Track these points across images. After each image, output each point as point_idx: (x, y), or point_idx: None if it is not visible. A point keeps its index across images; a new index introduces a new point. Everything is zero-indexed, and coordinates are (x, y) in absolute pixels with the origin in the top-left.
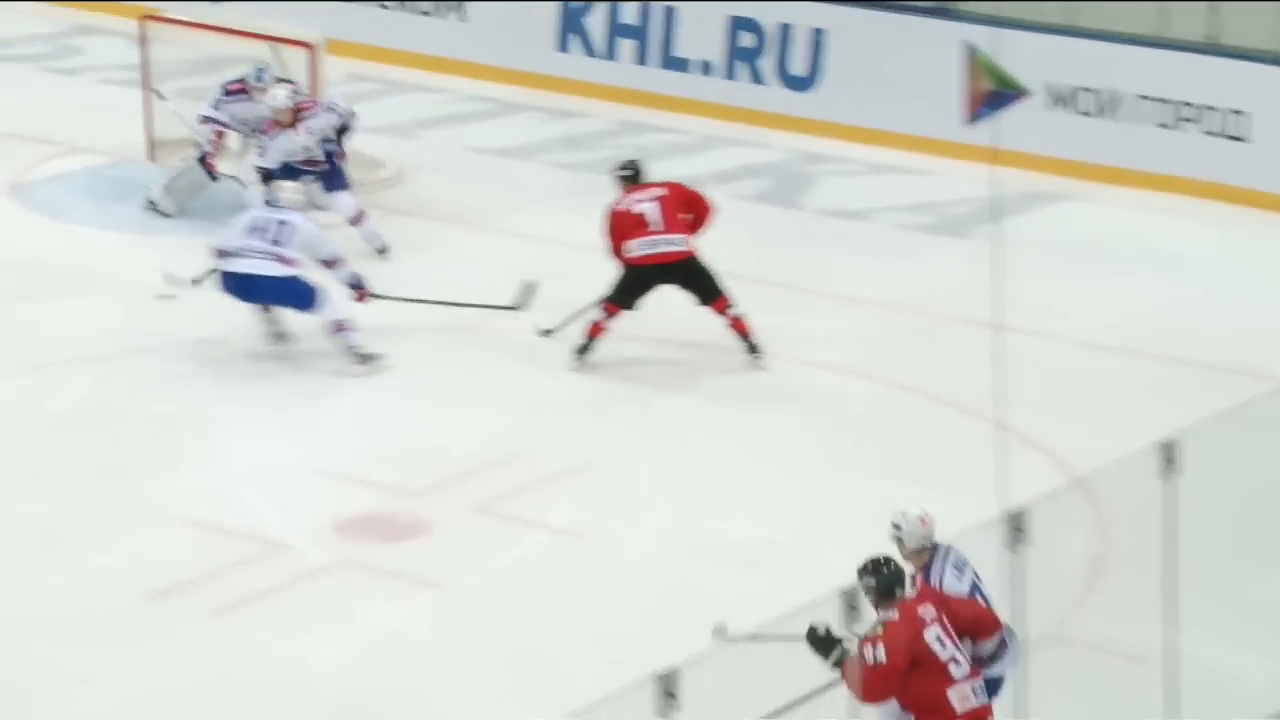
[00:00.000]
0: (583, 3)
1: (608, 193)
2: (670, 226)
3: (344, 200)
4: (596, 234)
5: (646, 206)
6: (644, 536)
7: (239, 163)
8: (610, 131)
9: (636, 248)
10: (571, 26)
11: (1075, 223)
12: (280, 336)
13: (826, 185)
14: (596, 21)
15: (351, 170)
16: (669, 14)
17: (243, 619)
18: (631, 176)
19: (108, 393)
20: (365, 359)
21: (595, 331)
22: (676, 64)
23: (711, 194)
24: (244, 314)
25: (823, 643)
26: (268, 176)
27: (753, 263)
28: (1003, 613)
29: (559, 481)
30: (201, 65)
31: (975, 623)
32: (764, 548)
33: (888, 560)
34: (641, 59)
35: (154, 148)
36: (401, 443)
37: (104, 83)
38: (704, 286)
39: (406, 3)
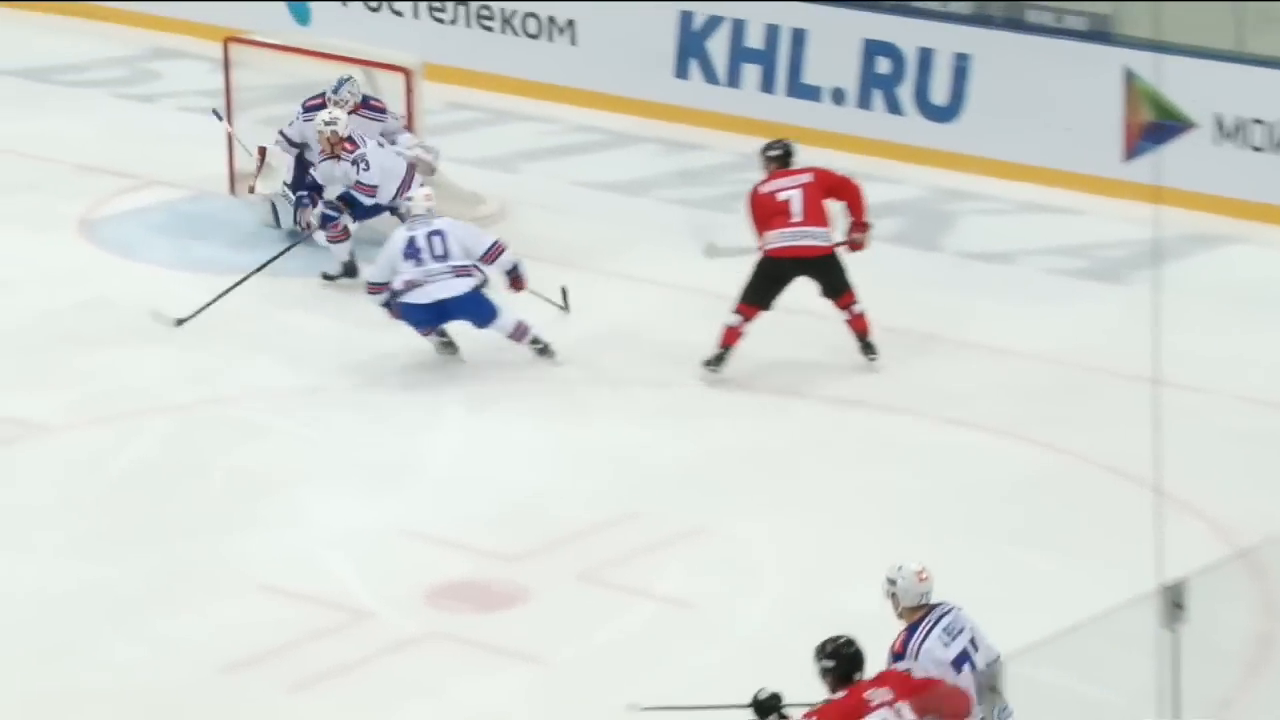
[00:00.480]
0: (703, 23)
1: (727, 231)
2: (812, 218)
3: None
4: (715, 277)
5: (792, 194)
6: (759, 607)
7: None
8: (732, 165)
9: (776, 239)
10: (691, 50)
11: (1243, 268)
12: (449, 345)
13: (969, 225)
14: (718, 45)
15: (448, 205)
16: (798, 37)
17: (324, 694)
18: (780, 158)
19: (180, 446)
20: (546, 351)
21: (731, 339)
22: (805, 92)
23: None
24: (332, 360)
25: (761, 707)
26: (298, 184)
27: (887, 309)
28: (1158, 696)
29: (670, 546)
30: (289, 91)
31: (944, 700)
32: (889, 621)
33: (849, 643)
34: (767, 86)
35: (235, 180)
36: (499, 501)
37: (183, 110)
38: (836, 281)
39: (511, 23)
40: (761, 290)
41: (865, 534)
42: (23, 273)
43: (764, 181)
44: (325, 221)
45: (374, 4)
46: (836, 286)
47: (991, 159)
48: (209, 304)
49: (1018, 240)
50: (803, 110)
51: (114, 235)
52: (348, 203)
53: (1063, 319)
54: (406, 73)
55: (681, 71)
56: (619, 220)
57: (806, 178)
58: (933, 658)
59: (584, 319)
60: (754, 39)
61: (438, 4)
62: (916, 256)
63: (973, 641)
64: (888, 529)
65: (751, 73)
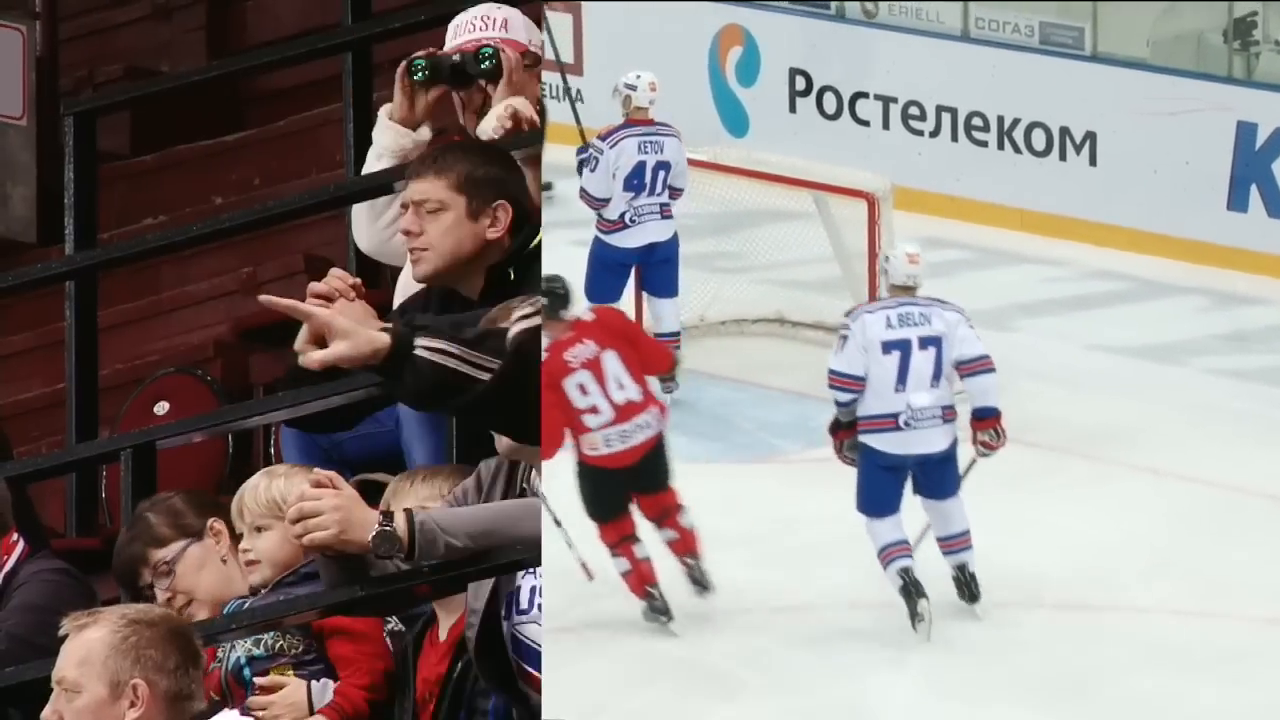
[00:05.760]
0: (1269, 137)
1: None
2: None
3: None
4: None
5: None
6: None
7: None
8: None
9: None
10: (1251, 173)
11: None
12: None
13: None
14: None
15: None
16: None
17: None
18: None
19: None
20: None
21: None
22: None
23: None
24: None
25: None
26: None
27: None
28: None
29: None
30: (715, 221)
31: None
32: None
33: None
34: None
35: None
36: None
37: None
38: None
39: (1010, 136)
40: None
41: None
42: None
43: None
44: None
45: (829, 109)
46: None
47: None
48: None
49: None
50: None
51: None
52: None
53: None
54: (869, 199)
55: (1238, 201)
56: (1146, 396)
57: None
58: (861, 333)
59: (1090, 527)
60: None
61: (914, 110)
62: None
63: (927, 340)
64: None
65: None
